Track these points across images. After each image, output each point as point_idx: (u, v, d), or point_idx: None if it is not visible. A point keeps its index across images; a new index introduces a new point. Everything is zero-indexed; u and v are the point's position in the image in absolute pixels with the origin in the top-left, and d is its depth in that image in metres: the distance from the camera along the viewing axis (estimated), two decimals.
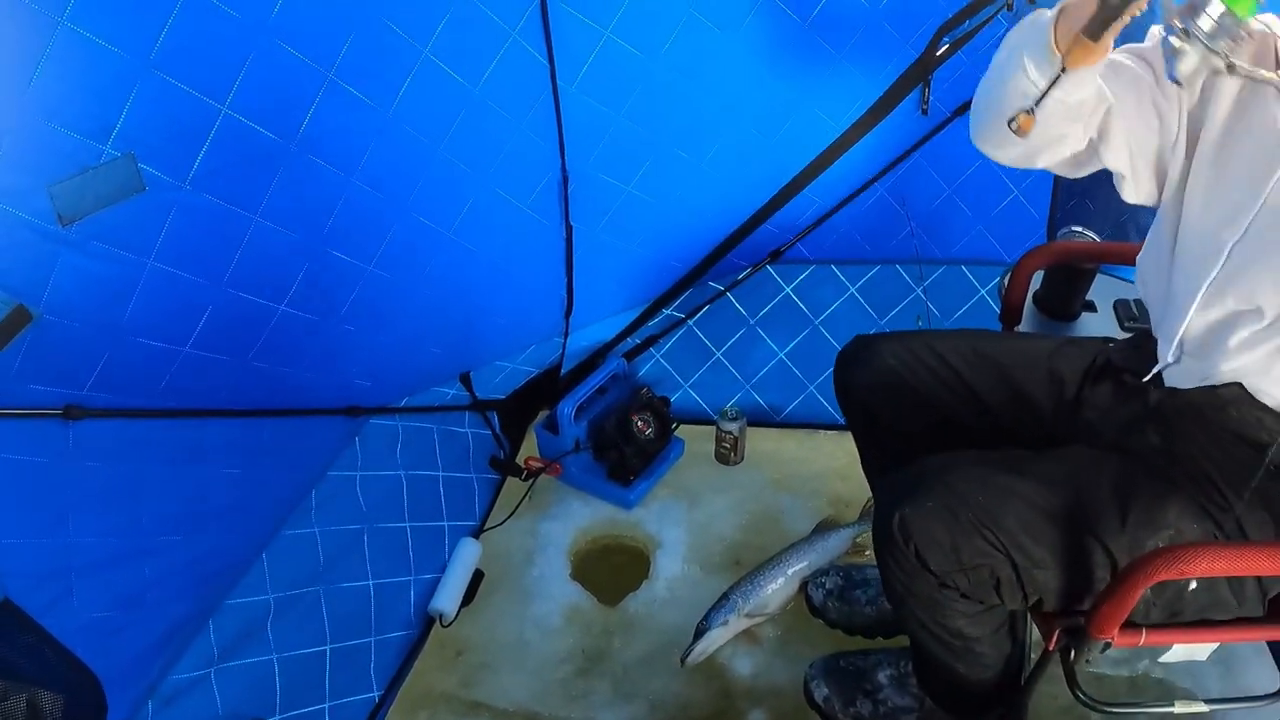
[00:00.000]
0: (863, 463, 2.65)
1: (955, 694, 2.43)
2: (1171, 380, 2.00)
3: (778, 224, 3.52)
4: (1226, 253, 1.81)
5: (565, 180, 2.97)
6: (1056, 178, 3.34)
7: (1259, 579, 1.92)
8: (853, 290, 3.64)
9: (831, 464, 3.55)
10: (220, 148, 2.01)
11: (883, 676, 2.64)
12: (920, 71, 3.14)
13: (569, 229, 3.13)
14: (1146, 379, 2.04)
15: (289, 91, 2.12)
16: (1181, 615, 1.96)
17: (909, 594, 2.07)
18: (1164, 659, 2.11)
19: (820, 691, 2.66)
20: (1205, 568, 1.69)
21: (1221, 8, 1.50)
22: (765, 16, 2.86)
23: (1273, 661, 2.31)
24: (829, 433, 3.65)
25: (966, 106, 3.07)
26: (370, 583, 2.83)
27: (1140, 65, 1.90)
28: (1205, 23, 1.51)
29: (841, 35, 2.99)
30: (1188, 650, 2.06)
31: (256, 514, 2.56)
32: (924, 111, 3.24)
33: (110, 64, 1.76)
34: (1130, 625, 1.89)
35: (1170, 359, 1.97)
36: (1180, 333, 1.92)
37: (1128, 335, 2.25)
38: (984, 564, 1.92)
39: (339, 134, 2.27)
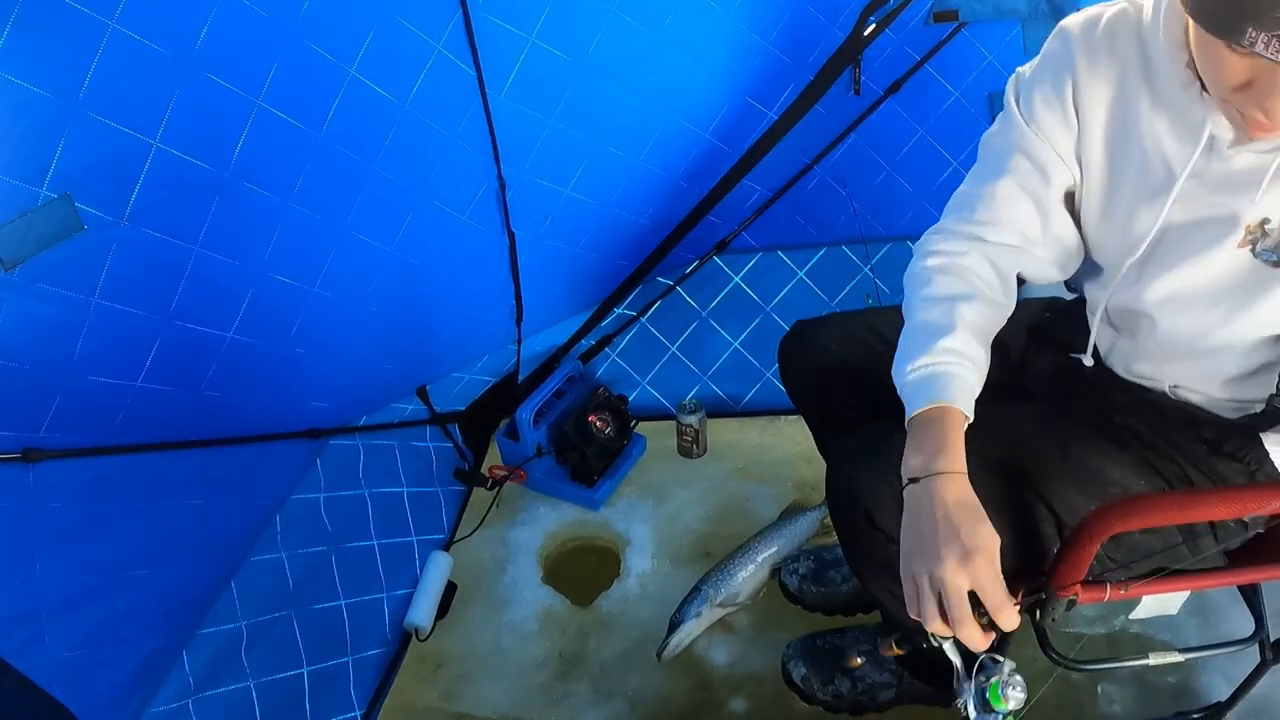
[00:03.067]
0: (818, 446, 2.66)
1: (930, 662, 2.46)
2: (1107, 360, 2.04)
3: (721, 214, 3.55)
4: (1122, 272, 1.87)
5: (503, 187, 2.97)
6: None
7: (1214, 535, 1.93)
8: (801, 274, 3.66)
9: (794, 449, 3.57)
10: (155, 182, 2.02)
11: (858, 654, 2.64)
12: (849, 53, 3.16)
13: (511, 236, 3.14)
14: (1086, 356, 2.07)
15: (219, 121, 2.12)
16: (1139, 573, 1.98)
17: (866, 556, 2.07)
18: (1135, 615, 2.12)
19: (798, 671, 2.68)
20: (1158, 517, 1.70)
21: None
22: (689, 10, 2.87)
23: (1248, 609, 2.33)
24: (790, 418, 3.67)
25: (899, 84, 3.12)
26: (342, 602, 2.83)
27: (1031, 183, 1.90)
28: None
29: (768, 22, 3.01)
30: (1159, 604, 2.07)
31: (222, 543, 2.56)
32: (856, 92, 3.26)
33: (40, 107, 1.77)
34: (1093, 581, 1.91)
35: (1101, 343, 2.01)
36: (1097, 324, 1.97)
37: (1073, 296, 2.26)
38: None
39: (272, 159, 2.28)
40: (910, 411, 1.82)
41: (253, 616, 2.58)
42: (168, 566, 2.35)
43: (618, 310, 3.73)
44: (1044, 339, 2.24)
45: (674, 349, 3.73)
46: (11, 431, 1.99)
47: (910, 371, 1.85)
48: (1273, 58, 1.29)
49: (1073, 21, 1.80)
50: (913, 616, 1.68)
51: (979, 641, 1.63)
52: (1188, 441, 1.94)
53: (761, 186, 3.52)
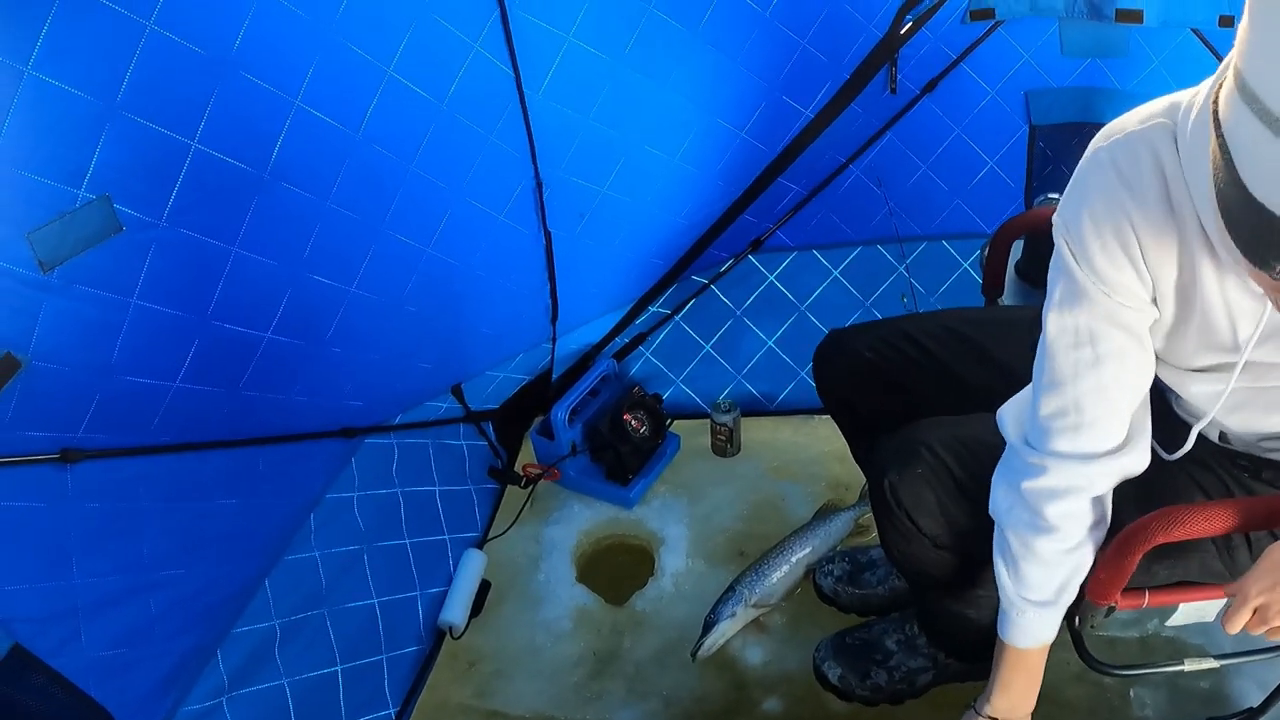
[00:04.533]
0: (852, 452, 2.67)
1: (967, 639, 2.47)
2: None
3: (756, 213, 3.53)
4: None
5: (539, 187, 2.96)
6: (1030, 145, 3.36)
7: (1250, 550, 1.91)
8: (836, 273, 3.65)
9: (828, 448, 3.56)
10: (193, 182, 2.01)
11: (891, 643, 2.66)
12: (885, 51, 3.14)
13: (547, 235, 3.13)
14: None
15: (257, 122, 2.12)
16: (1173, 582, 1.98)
17: (907, 557, 2.15)
18: (1171, 622, 2.10)
19: (834, 672, 2.69)
20: (1202, 528, 1.70)
21: None
22: (726, 9, 2.86)
23: None
24: (824, 417, 3.58)
25: (935, 83, 3.10)
26: (375, 601, 2.83)
27: (1132, 357, 1.73)
28: None
29: (804, 21, 3.00)
30: (1196, 611, 2.05)
31: (256, 542, 2.56)
32: (892, 90, 3.24)
33: (79, 108, 1.77)
34: (1133, 588, 1.90)
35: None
36: None
37: None
38: (971, 529, 1.99)
39: (310, 159, 2.27)
40: (1015, 639, 2.02)
41: (286, 615, 2.59)
42: (202, 565, 2.36)
43: (652, 308, 3.71)
44: None
45: (708, 347, 3.72)
46: (50, 432, 1.99)
47: (1032, 602, 1.95)
48: None
49: (1117, 164, 1.57)
50: None
51: None
52: (1227, 465, 1.93)
53: (797, 185, 3.50)
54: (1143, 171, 1.54)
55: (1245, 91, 1.14)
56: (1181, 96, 1.51)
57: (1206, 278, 1.59)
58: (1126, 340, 1.70)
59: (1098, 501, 1.83)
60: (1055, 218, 1.69)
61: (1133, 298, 1.65)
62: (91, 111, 1.79)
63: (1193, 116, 1.43)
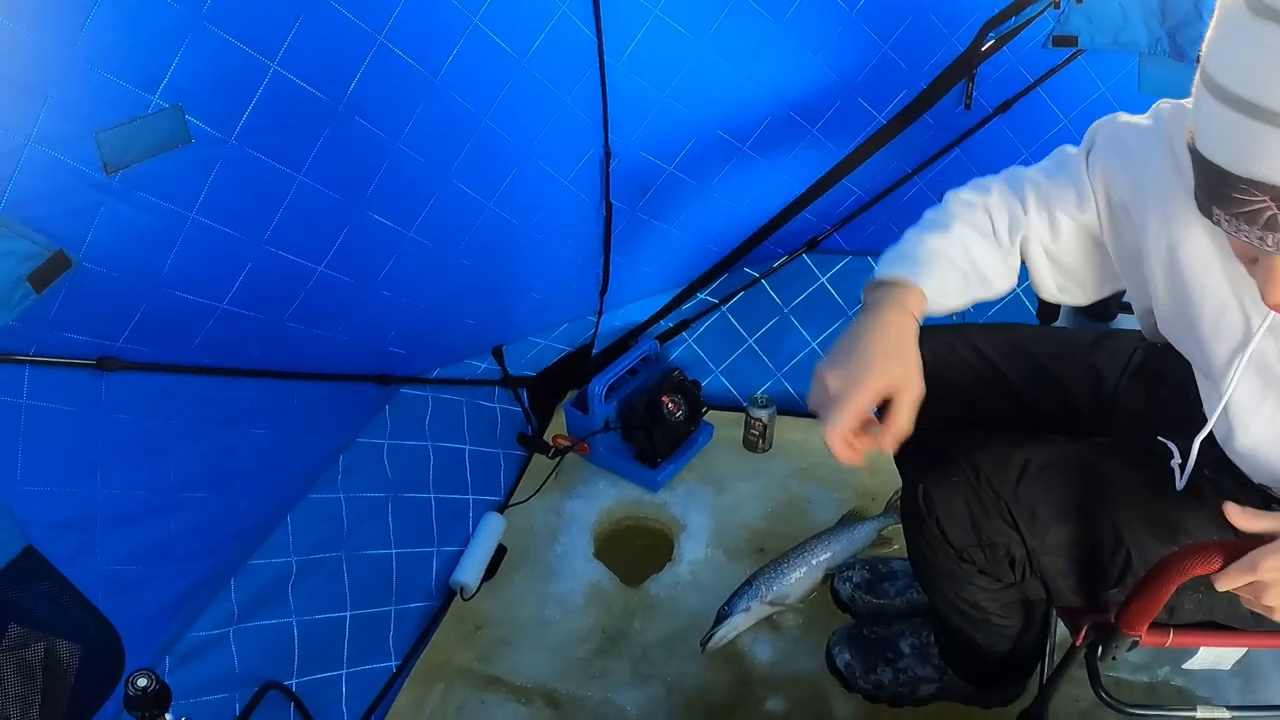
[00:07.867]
0: (896, 459, 2.65)
1: (973, 662, 2.48)
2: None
3: (816, 212, 3.51)
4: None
5: (608, 157, 2.95)
6: None
7: None
8: None
9: None
10: (268, 104, 2.00)
11: (905, 646, 2.66)
12: (964, 66, 3.12)
13: (609, 206, 3.12)
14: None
15: (339, 52, 2.11)
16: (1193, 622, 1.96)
17: (930, 566, 2.12)
18: (1188, 665, 2.08)
19: (841, 658, 2.70)
20: None
21: None
22: (813, 3, 2.84)
23: None
24: None
25: (1009, 104, 3.07)
26: (393, 551, 2.84)
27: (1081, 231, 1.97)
28: None
29: (888, 25, 2.98)
30: (1214, 657, 2.03)
31: (283, 476, 2.56)
32: (967, 107, 3.22)
33: (162, 15, 1.75)
34: (1157, 625, 1.88)
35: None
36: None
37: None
38: (1000, 543, 1.95)
39: (386, 97, 2.26)
40: (898, 270, 2.05)
41: (304, 553, 2.59)
42: (227, 493, 2.35)
43: (701, 295, 3.72)
44: (1137, 370, 2.20)
45: (751, 341, 3.71)
46: (91, 337, 1.98)
47: (922, 238, 2.11)
48: (1235, 236, 1.28)
49: (1168, 125, 1.74)
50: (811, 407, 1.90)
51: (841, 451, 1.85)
52: (1259, 503, 1.86)
53: (859, 189, 3.48)
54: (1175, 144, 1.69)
55: (1201, 60, 1.31)
56: None
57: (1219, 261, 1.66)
58: (1071, 223, 1.99)
59: (983, 208, 2.14)
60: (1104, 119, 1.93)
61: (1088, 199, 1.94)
62: (175, 19, 1.77)
63: None
